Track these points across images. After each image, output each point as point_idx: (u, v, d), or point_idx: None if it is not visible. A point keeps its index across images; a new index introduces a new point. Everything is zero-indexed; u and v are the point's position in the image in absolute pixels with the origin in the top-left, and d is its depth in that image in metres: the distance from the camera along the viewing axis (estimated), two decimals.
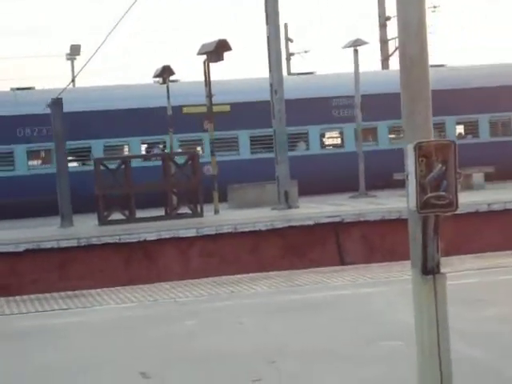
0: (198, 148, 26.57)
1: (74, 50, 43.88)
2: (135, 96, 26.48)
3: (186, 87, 26.74)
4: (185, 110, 26.08)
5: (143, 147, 27.09)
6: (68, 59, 44.87)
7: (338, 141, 28.07)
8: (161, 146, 26.70)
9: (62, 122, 20.01)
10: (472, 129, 28.77)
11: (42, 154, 26.31)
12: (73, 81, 29.06)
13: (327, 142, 28.53)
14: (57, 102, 19.98)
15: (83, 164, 26.13)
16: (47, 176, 23.97)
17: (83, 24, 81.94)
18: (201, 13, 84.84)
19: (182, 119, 25.58)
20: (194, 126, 25.83)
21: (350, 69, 23.97)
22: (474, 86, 28.15)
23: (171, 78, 24.89)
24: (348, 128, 27.01)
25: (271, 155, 26.14)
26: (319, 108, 26.86)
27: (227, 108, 25.70)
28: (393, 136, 28.22)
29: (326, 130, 27.91)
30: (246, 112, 26.29)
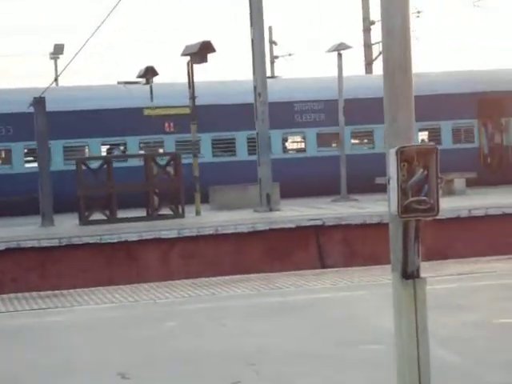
0: (160, 150, 26.51)
1: (58, 49, 43.74)
2: (97, 97, 26.36)
3: (148, 89, 26.71)
4: (146, 111, 25.97)
5: (104, 148, 26.94)
6: (51, 58, 44.73)
7: (301, 145, 27.89)
8: (121, 148, 26.53)
9: (44, 121, 19.97)
10: (435, 136, 28.85)
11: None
12: (56, 80, 28.98)
13: (290, 146, 28.34)
14: (39, 101, 19.94)
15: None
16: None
17: (67, 23, 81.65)
18: (187, 13, 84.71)
19: (143, 121, 25.54)
20: (155, 128, 25.72)
21: (325, 73, 23.98)
22: (438, 92, 28.11)
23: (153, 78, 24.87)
24: (310, 133, 26.92)
25: (233, 159, 26.10)
26: (281, 113, 26.58)
27: (188, 110, 25.68)
28: (356, 141, 28.16)
29: (288, 135, 27.71)
30: (209, 115, 26.19)
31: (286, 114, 26.76)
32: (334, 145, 27.74)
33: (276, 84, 27.76)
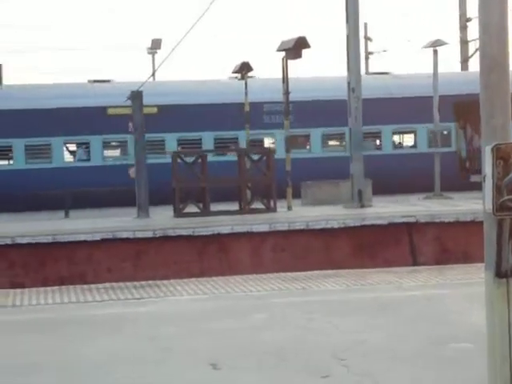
0: (121, 150, 26.46)
1: (155, 44, 44.33)
2: (62, 95, 26.33)
3: (113, 87, 26.80)
4: (110, 111, 25.84)
5: (72, 147, 27.08)
6: (149, 53, 45.36)
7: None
8: (84, 147, 26.54)
9: (141, 115, 20.33)
10: (410, 139, 28.12)
11: None
12: (153, 74, 29.40)
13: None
14: (137, 95, 20.29)
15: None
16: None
17: (165, 18, 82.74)
18: (283, 10, 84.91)
19: (107, 120, 25.52)
20: (119, 128, 25.60)
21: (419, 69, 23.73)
22: (414, 95, 27.10)
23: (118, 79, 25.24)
24: (279, 135, 26.20)
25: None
26: (252, 113, 25.95)
27: (154, 110, 25.47)
28: (332, 143, 27.65)
29: (256, 136, 26.99)
30: (175, 115, 26.02)
31: (256, 114, 26.26)
32: (308, 147, 27.27)
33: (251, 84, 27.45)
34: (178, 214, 19.83)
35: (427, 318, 8.31)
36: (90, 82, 27.45)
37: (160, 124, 25.55)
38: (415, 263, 16.79)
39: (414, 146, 27.98)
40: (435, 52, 23.03)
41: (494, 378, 4.81)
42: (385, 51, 47.75)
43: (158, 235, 16.90)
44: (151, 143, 25.59)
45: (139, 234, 16.90)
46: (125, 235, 16.85)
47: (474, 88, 23.25)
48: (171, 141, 26.18)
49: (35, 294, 10.58)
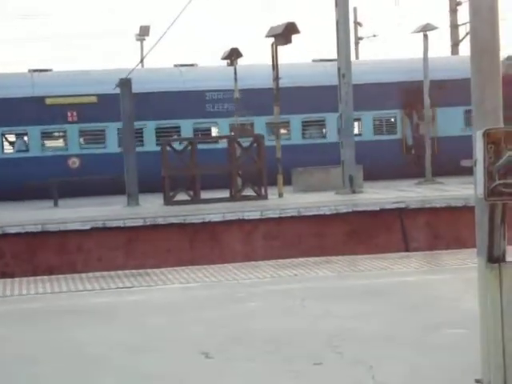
0: (61, 140, 26.38)
1: (144, 31, 44.16)
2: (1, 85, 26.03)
3: (54, 77, 26.71)
4: (48, 100, 25.67)
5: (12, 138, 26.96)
6: (137, 40, 45.19)
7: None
8: (25, 138, 26.43)
9: (131, 103, 20.25)
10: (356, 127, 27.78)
11: None
12: (141, 61, 29.28)
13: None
14: (125, 83, 20.22)
15: None
16: None
17: (153, 5, 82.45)
18: None
19: (45, 110, 25.34)
20: (57, 118, 25.43)
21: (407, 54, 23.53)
22: (358, 82, 26.91)
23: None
24: (222, 123, 26.23)
25: (141, 149, 25.92)
26: (192, 102, 25.98)
27: (94, 99, 25.32)
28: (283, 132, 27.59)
29: (199, 125, 26.82)
30: (116, 104, 25.99)
31: (197, 103, 26.07)
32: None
33: (192, 72, 27.08)
34: (169, 201, 19.78)
35: (420, 304, 8.29)
36: (29, 71, 27.28)
37: (102, 113, 25.46)
38: (407, 249, 16.79)
39: (360, 134, 27.76)
40: (425, 36, 22.99)
41: (487, 362, 4.80)
42: (375, 36, 47.67)
43: (148, 223, 16.85)
44: (91, 132, 25.62)
45: (129, 223, 16.85)
46: (115, 224, 16.80)
47: (420, 75, 23.33)
48: (113, 130, 25.99)
49: (25, 284, 10.54)
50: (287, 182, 21.75)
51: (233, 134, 24.38)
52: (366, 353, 6.53)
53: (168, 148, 20.50)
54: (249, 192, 20.47)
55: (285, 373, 6.16)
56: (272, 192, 20.32)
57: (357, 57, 44.18)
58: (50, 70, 27.12)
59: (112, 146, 25.85)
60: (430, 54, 23.65)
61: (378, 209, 17.51)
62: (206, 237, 17.01)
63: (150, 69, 28.18)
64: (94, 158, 24.88)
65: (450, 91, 26.27)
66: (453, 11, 39.11)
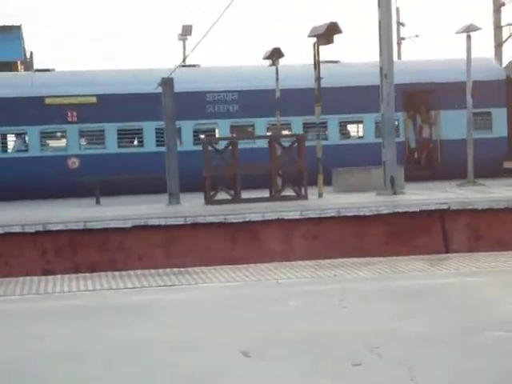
0: (63, 140, 26.39)
1: (186, 30, 44.35)
2: (2, 85, 26.21)
3: (50, 77, 26.73)
4: (48, 100, 25.64)
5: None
6: (180, 39, 45.40)
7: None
8: (23, 136, 26.46)
9: (173, 102, 20.34)
10: (357, 129, 27.58)
11: None
12: (184, 60, 29.39)
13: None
14: (168, 82, 20.32)
15: None
16: None
17: (195, 5, 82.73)
18: None
19: (45, 110, 25.38)
20: (57, 118, 25.50)
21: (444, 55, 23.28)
22: (361, 84, 26.34)
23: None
24: (223, 124, 25.97)
25: (139, 150, 25.81)
26: (193, 103, 25.93)
27: (93, 99, 25.31)
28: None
29: (200, 126, 26.80)
30: (115, 104, 25.80)
31: (198, 104, 26.02)
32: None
33: (193, 73, 27.06)
34: (209, 201, 19.84)
35: (460, 306, 8.24)
36: (32, 71, 27.58)
37: (100, 114, 25.50)
38: (448, 250, 16.69)
39: (362, 137, 27.51)
40: (468, 37, 22.81)
41: None
42: (417, 36, 47.43)
43: (189, 222, 16.91)
44: (92, 133, 25.71)
45: (171, 221, 16.91)
46: (156, 222, 16.88)
47: (424, 77, 23.00)
48: (111, 130, 26.07)
49: (67, 281, 10.64)
50: (328, 182, 21.72)
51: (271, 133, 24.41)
52: (406, 354, 6.50)
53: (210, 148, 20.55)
54: (289, 192, 20.46)
55: (323, 373, 6.15)
56: (312, 192, 20.29)
57: (399, 57, 43.97)
58: (51, 70, 27.40)
59: (112, 146, 26.04)
60: (461, 55, 23.53)
61: (419, 210, 17.40)
62: (246, 236, 17.03)
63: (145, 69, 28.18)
64: (94, 158, 25.27)
65: (455, 94, 25.93)
66: (496, 12, 38.76)
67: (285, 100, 25.03)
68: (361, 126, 27.82)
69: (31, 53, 40.87)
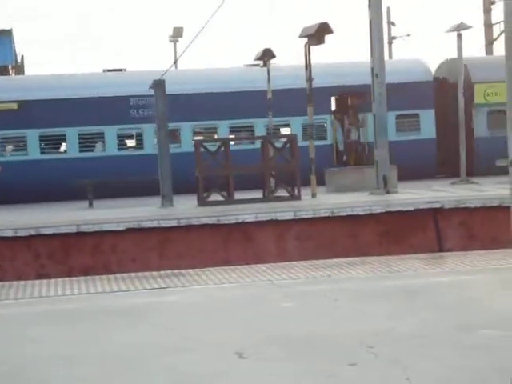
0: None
1: (177, 33, 44.32)
2: None
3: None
4: None
5: None
6: (171, 41, 45.36)
7: (138, 142, 26.90)
8: None
9: (164, 104, 20.33)
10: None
11: None
12: (175, 62, 29.39)
13: (127, 143, 27.40)
14: (159, 84, 20.31)
15: None
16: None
17: (186, 7, 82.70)
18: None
19: None
20: None
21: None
22: (288, 87, 26.05)
23: None
24: (148, 129, 25.93)
25: (63, 156, 25.70)
26: (116, 107, 25.85)
27: (14, 106, 25.30)
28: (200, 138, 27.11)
29: (124, 131, 26.67)
30: (37, 110, 25.66)
31: (121, 109, 25.93)
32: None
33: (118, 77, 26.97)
34: (202, 202, 19.83)
35: (455, 305, 8.24)
36: None
37: (21, 120, 25.49)
38: (441, 249, 16.70)
39: None
40: (459, 36, 22.84)
41: None
42: (408, 36, 47.47)
43: (182, 224, 16.89)
44: (13, 139, 25.70)
45: (164, 223, 16.90)
46: (149, 224, 16.86)
47: (352, 80, 22.88)
48: (33, 136, 26.01)
49: (61, 285, 10.62)
50: (320, 182, 21.72)
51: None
52: (401, 353, 6.50)
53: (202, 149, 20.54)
54: (282, 193, 20.46)
55: (319, 373, 6.15)
56: (305, 192, 20.29)
57: (390, 56, 44.00)
58: None
59: (34, 152, 25.99)
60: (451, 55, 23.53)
61: (412, 209, 17.42)
62: (240, 237, 17.03)
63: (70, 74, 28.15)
64: (15, 165, 25.30)
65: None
66: (486, 10, 38.84)
67: (212, 104, 25.29)
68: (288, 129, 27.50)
69: (22, 56, 40.80)
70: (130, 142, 27.54)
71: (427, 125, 27.15)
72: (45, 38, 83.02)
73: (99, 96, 25.95)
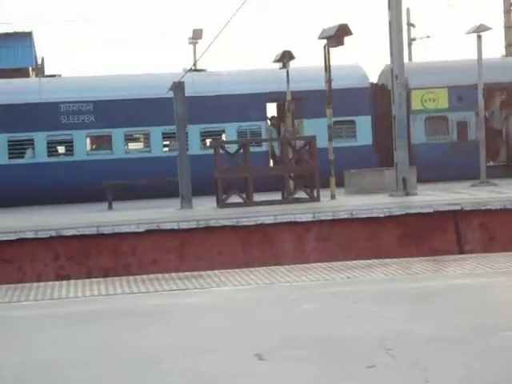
0: None
1: (197, 34, 44.34)
2: None
3: None
4: None
5: None
6: (190, 43, 45.39)
7: (68, 148, 26.63)
8: None
9: (184, 106, 20.38)
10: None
11: None
12: (194, 64, 29.43)
13: (58, 149, 27.14)
14: (179, 86, 20.35)
15: None
16: None
17: (206, 8, 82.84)
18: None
19: None
20: None
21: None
22: (223, 93, 25.98)
23: None
24: (79, 135, 25.83)
25: (23, 161, 25.39)
26: (47, 114, 25.74)
27: None
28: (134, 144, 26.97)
29: (54, 137, 26.37)
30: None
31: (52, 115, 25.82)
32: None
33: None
34: (221, 204, 19.85)
35: (475, 307, 8.21)
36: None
37: None
38: (461, 251, 16.64)
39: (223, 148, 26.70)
40: (479, 37, 22.75)
41: None
42: (428, 37, 47.32)
43: (201, 226, 16.91)
44: None
45: (183, 225, 16.93)
46: (169, 226, 16.89)
47: (284, 86, 22.22)
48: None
49: (81, 286, 10.65)
50: (340, 184, 21.70)
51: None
52: (420, 355, 6.48)
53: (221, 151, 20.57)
54: (301, 194, 20.45)
55: (337, 375, 6.14)
56: (324, 194, 20.27)
57: (410, 58, 43.88)
58: None
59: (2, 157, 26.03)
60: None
61: (432, 211, 17.36)
62: (259, 239, 17.03)
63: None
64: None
65: (317, 102, 25.34)
66: (507, 12, 38.66)
67: (144, 109, 25.24)
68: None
69: (42, 59, 40.99)
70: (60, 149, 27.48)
71: (364, 131, 26.75)
72: (63, 39, 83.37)
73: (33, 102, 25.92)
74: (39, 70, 39.44)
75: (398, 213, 17.34)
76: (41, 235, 16.56)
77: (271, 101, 27.03)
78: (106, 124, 25.76)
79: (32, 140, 26.07)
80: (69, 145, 26.46)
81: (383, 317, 7.95)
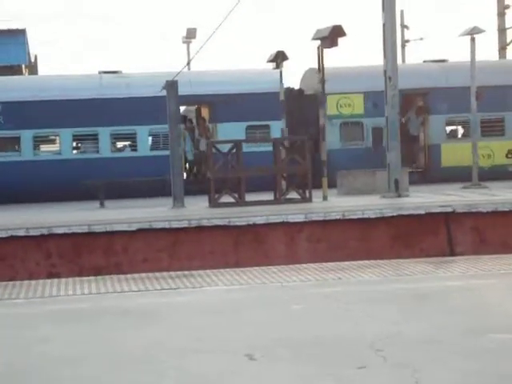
0: None
1: (190, 34, 44.35)
2: None
3: None
4: None
5: None
6: (184, 42, 45.40)
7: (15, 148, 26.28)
8: None
9: (176, 104, 20.37)
10: (133, 143, 26.49)
11: None
12: (188, 64, 29.42)
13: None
14: (172, 84, 20.34)
15: None
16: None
17: (200, 7, 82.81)
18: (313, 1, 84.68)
19: None
20: None
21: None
22: (134, 95, 25.69)
23: None
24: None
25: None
26: None
27: None
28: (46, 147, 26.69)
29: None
30: None
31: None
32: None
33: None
34: (214, 204, 19.85)
35: (465, 309, 8.23)
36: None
37: None
38: (453, 253, 16.68)
39: (136, 150, 26.16)
40: (472, 40, 22.80)
41: None
42: (422, 39, 47.42)
43: (193, 225, 16.91)
44: None
45: (175, 224, 16.92)
46: (161, 225, 16.89)
47: (204, 89, 22.59)
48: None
49: (72, 284, 10.65)
50: (332, 184, 21.72)
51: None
52: (410, 357, 6.49)
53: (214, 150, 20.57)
54: (293, 195, 20.47)
55: (328, 376, 6.15)
56: (316, 195, 20.28)
57: (403, 60, 43.95)
58: None
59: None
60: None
61: (424, 212, 17.40)
62: (251, 239, 17.04)
63: None
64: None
65: (233, 106, 25.33)
66: (500, 14, 38.75)
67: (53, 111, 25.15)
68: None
69: (35, 56, 40.94)
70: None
71: (277, 135, 26.61)
72: (56, 38, 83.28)
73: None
74: (33, 68, 39.39)
75: (390, 214, 17.36)
76: (32, 233, 16.54)
77: (183, 104, 26.70)
78: (13, 126, 25.57)
79: None
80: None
81: (374, 318, 7.96)
